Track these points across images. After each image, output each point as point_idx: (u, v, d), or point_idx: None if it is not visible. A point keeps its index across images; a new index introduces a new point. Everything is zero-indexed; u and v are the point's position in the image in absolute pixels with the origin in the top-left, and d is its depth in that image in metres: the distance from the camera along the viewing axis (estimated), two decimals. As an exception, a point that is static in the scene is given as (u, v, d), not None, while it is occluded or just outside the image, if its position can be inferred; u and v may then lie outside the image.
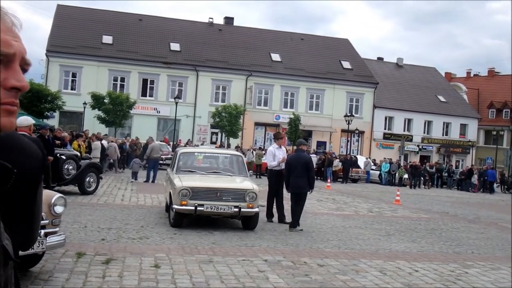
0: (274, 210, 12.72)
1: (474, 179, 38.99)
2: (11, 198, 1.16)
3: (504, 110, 65.29)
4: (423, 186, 37.71)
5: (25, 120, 9.00)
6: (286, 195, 12.27)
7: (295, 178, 11.68)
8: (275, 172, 12.70)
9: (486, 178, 39.10)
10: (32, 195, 1.20)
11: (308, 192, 11.87)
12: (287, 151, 15.14)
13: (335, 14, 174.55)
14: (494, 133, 54.49)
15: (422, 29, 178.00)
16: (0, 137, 1.09)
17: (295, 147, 13.25)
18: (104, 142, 27.73)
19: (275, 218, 12.60)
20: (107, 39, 46.81)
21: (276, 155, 12.64)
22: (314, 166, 30.39)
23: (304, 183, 11.68)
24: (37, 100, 31.94)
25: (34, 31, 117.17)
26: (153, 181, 22.14)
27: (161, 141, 36.88)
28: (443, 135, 56.54)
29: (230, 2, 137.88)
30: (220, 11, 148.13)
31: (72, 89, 44.53)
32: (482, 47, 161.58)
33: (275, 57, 51.09)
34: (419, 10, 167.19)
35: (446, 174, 40.57)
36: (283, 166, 12.43)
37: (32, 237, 1.34)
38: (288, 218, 12.09)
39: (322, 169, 35.34)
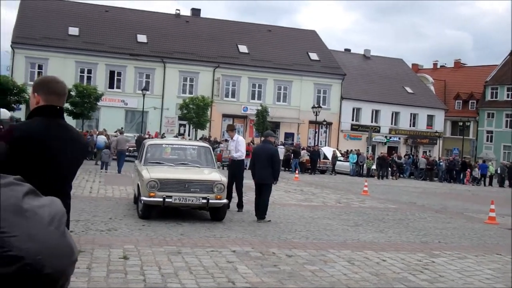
0: (245, 200, 12.76)
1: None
2: None
3: (470, 101, 66.46)
4: (390, 177, 38.11)
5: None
6: (252, 186, 12.29)
7: (259, 169, 11.71)
8: (231, 162, 13.10)
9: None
10: None
11: (273, 183, 11.91)
12: (253, 142, 15.38)
13: (299, 5, 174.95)
14: (461, 124, 55.39)
15: (386, 20, 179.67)
16: None
17: (262, 138, 13.27)
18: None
19: (244, 208, 12.62)
20: (73, 30, 46.01)
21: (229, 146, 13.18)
22: (281, 158, 30.76)
23: (267, 174, 11.67)
24: (2, 93, 31.25)
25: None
26: (118, 172, 22.49)
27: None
28: (410, 126, 57.18)
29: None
30: (187, 2, 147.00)
31: (38, 81, 43.68)
32: (446, 38, 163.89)
33: (242, 48, 50.93)
34: (381, 1, 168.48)
35: (413, 166, 41.25)
36: (237, 156, 12.76)
37: None
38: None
39: (291, 160, 35.49)
